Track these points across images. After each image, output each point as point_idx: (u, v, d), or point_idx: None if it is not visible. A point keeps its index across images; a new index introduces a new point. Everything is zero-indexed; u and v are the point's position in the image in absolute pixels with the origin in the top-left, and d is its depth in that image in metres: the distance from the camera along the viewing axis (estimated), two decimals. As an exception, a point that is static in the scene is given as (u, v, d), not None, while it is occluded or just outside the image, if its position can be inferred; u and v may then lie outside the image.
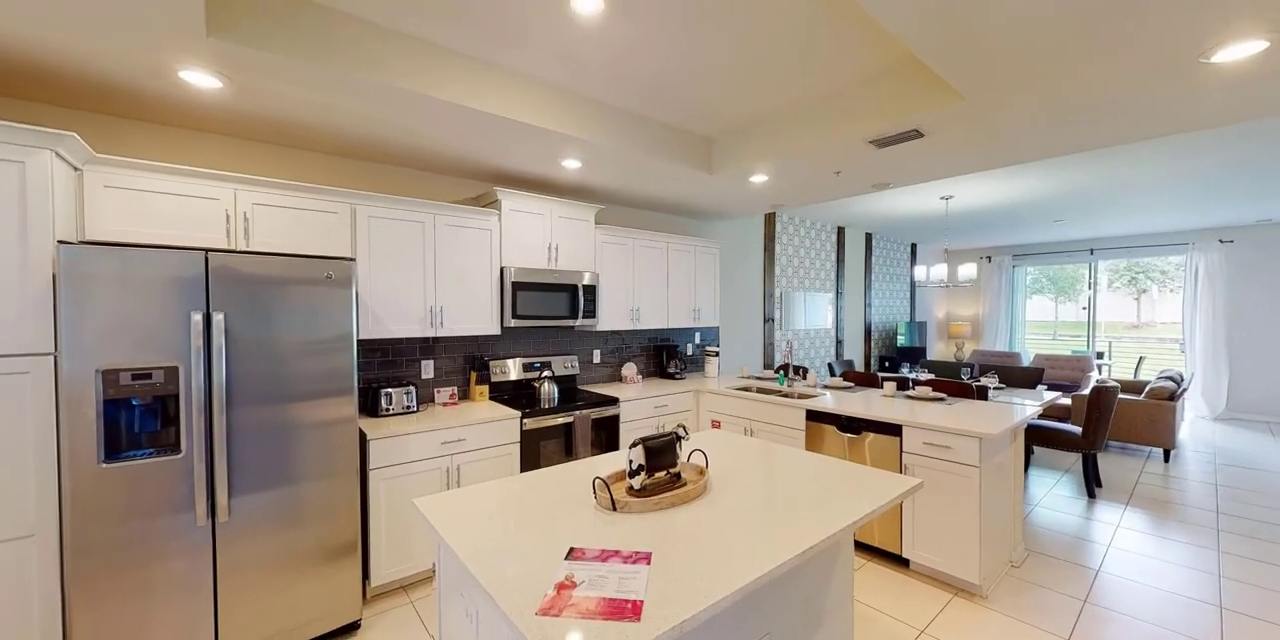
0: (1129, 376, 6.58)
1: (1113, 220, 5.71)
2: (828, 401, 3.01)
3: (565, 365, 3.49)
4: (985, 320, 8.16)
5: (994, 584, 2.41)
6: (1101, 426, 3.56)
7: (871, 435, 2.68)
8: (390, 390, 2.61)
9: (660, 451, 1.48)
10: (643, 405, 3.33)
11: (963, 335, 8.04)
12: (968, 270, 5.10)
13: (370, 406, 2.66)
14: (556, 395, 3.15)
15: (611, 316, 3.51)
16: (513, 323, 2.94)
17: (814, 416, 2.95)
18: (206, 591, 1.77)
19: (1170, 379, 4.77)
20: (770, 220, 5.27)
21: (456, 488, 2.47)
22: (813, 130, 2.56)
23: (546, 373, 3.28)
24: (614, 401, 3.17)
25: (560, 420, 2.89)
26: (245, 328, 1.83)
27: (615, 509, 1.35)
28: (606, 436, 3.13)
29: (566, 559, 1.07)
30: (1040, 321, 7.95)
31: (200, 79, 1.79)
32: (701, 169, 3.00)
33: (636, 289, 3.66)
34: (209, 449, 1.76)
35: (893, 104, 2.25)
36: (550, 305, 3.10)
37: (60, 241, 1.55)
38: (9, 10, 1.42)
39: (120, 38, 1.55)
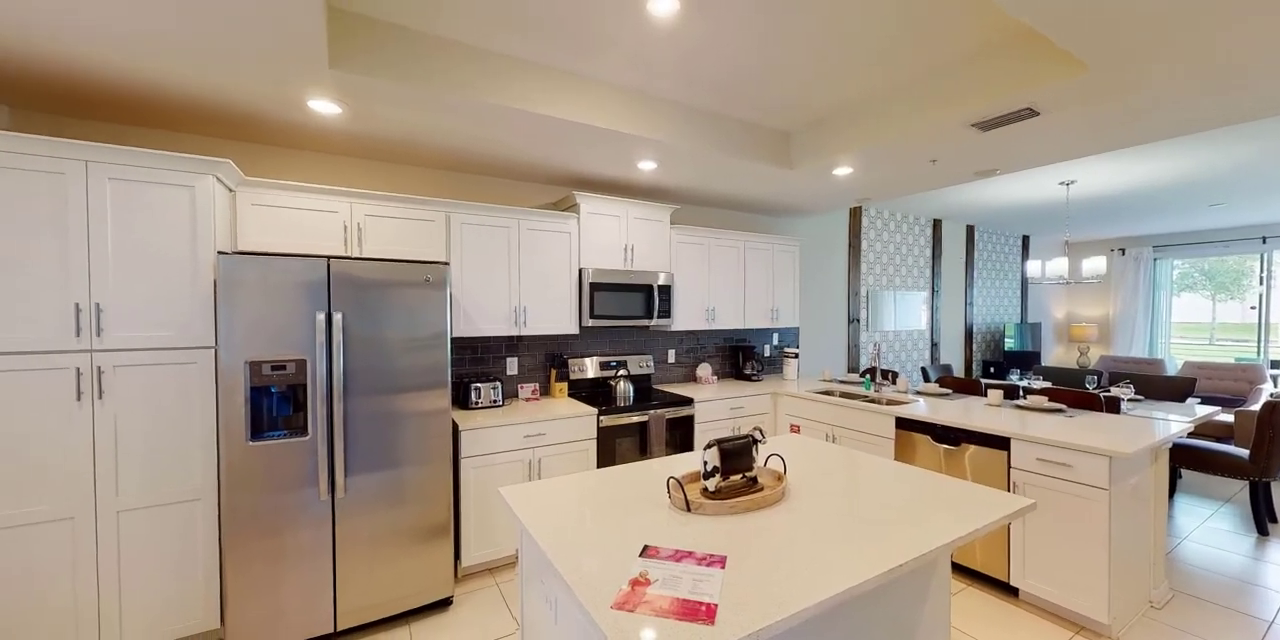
0: (1317, 390, 5.40)
1: (1294, 201, 4.73)
2: (920, 409, 2.78)
3: (640, 364, 3.53)
4: (1117, 321, 7.11)
5: (1127, 626, 2.09)
6: (1276, 449, 2.96)
7: (972, 448, 2.44)
8: (479, 385, 2.79)
9: (736, 454, 1.45)
10: (718, 406, 3.29)
11: (1087, 338, 7.07)
12: (1095, 264, 4.48)
13: (461, 399, 2.87)
14: (632, 394, 3.20)
15: (687, 316, 3.49)
16: (590, 322, 3.02)
17: (905, 424, 2.74)
18: (327, 559, 2.00)
19: (1379, 395, 3.85)
20: (856, 215, 4.98)
21: (538, 479, 2.60)
22: (904, 117, 2.38)
23: (622, 371, 3.34)
24: (689, 402, 3.15)
25: (635, 419, 2.93)
26: (359, 326, 2.05)
27: (689, 510, 1.34)
28: (681, 437, 3.13)
29: (641, 556, 1.09)
30: (1191, 323, 6.78)
31: (324, 106, 2.03)
32: (779, 165, 2.90)
33: (712, 289, 3.62)
34: (330, 432, 1.99)
35: (999, 81, 2.03)
36: (626, 305, 3.16)
37: (219, 252, 1.84)
38: (177, 58, 1.70)
39: (262, 73, 1.80)
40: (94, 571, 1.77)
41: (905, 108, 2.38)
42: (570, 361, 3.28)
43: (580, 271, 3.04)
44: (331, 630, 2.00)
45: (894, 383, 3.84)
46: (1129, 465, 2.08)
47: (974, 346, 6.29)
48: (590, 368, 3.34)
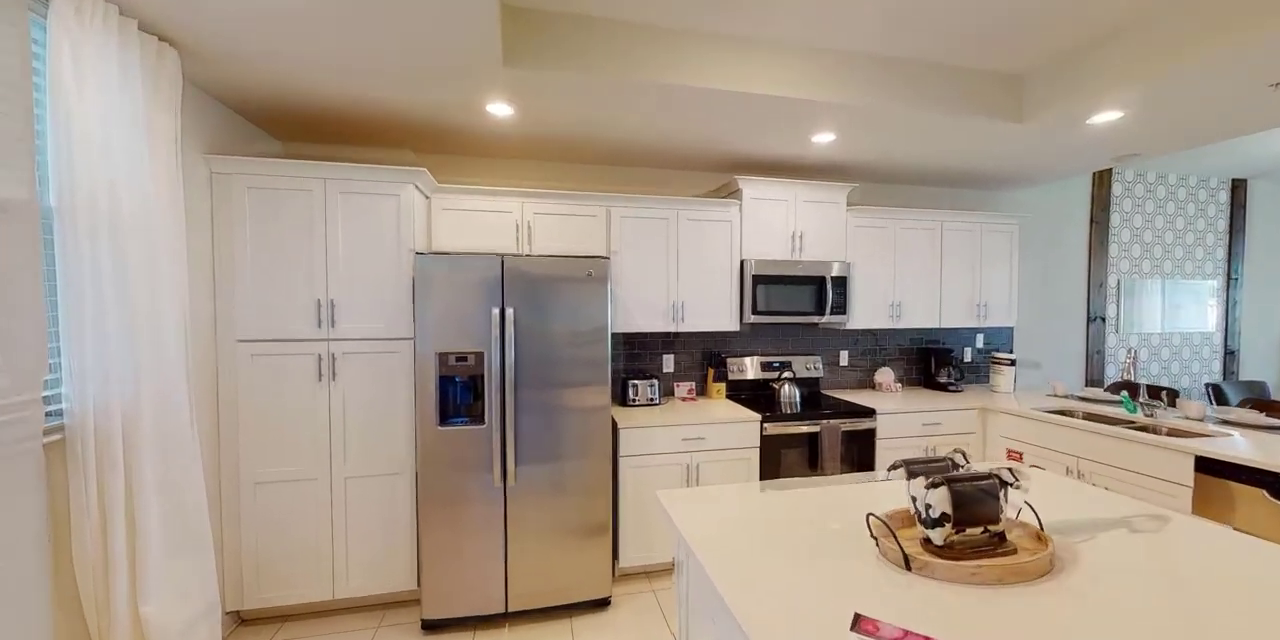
0: None
1: None
2: (1239, 446, 1.93)
3: (808, 367, 3.14)
4: None
5: None
6: None
7: (1360, 516, 1.58)
8: (636, 382, 2.73)
9: (976, 499, 1.08)
10: (906, 421, 2.75)
11: None
12: None
13: (619, 396, 2.84)
14: (798, 399, 2.85)
15: (865, 313, 3.00)
16: (752, 319, 2.76)
17: (1211, 467, 1.92)
18: (499, 542, 2.09)
19: None
20: (1102, 180, 3.81)
21: (695, 485, 2.43)
22: (1228, 24, 1.62)
23: (786, 374, 3.00)
24: (869, 413, 2.69)
25: (804, 429, 2.58)
26: (528, 320, 2.10)
27: (908, 567, 1.02)
28: (859, 453, 2.68)
29: (854, 630, 0.82)
30: None
31: (499, 108, 2.12)
32: (1005, 118, 2.27)
33: (898, 280, 3.05)
34: (503, 422, 2.07)
35: None
36: (793, 300, 2.81)
37: (415, 252, 2.02)
38: (379, 78, 1.88)
39: (447, 79, 1.91)
40: (329, 525, 2.10)
41: (1230, 10, 1.62)
42: (729, 361, 3.05)
43: (742, 263, 2.79)
44: (503, 610, 2.10)
45: (1171, 404, 2.81)
46: None
47: (1302, 357, 4.42)
48: (750, 368, 3.07)
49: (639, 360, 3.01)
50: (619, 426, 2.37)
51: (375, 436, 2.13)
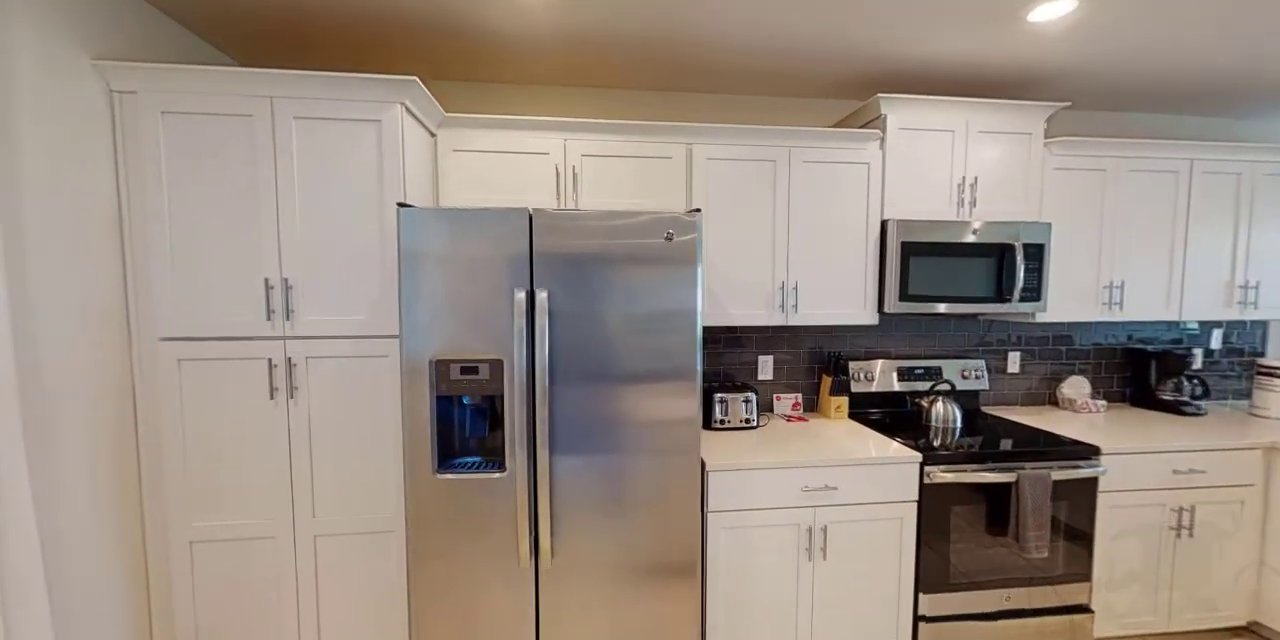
0: None
1: None
2: None
3: (965, 374, 2.21)
4: None
5: None
6: None
7: None
8: (725, 396, 1.94)
9: None
10: (1146, 466, 1.79)
11: None
12: None
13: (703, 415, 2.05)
14: (957, 423, 1.96)
15: (1067, 298, 2.03)
16: (899, 306, 1.87)
17: None
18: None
19: None
20: None
21: (822, 559, 1.63)
22: None
23: (940, 385, 2.10)
24: (1090, 454, 1.75)
25: (991, 477, 1.68)
26: (570, 309, 1.35)
27: None
28: (1069, 511, 1.76)
29: None
30: None
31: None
32: None
33: (1117, 250, 2.05)
34: (532, 468, 1.34)
35: None
36: (961, 279, 1.90)
37: (399, 204, 1.30)
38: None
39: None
40: (295, 600, 1.47)
41: None
42: (851, 365, 2.18)
43: (884, 226, 1.90)
44: (537, 742, 1.41)
45: None
46: None
47: None
48: (880, 375, 2.19)
49: (722, 361, 2.20)
50: (706, 468, 1.59)
51: (355, 477, 1.47)
